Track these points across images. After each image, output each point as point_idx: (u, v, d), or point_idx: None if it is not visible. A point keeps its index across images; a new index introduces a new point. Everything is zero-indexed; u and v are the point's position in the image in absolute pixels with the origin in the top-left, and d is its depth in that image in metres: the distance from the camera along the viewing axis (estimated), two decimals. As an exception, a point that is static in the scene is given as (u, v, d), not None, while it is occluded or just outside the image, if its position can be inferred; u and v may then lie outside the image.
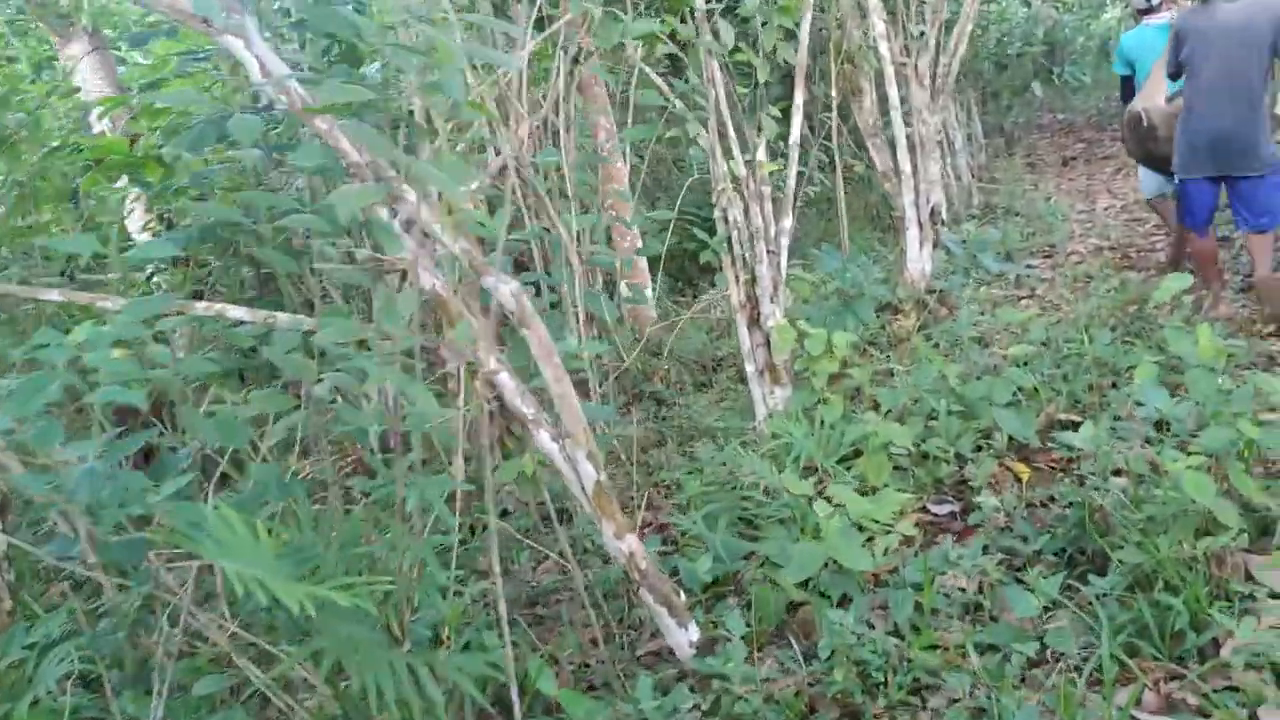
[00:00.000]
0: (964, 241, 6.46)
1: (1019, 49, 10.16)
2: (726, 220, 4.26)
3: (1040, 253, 7.40)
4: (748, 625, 2.92)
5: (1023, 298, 6.17)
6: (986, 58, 9.88)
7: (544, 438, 2.57)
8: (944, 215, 7.65)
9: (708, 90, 4.16)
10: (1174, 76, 5.28)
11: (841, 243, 6.43)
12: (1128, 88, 6.41)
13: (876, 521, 3.10)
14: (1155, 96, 5.68)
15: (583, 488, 2.60)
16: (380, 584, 2.13)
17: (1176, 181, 5.30)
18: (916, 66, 5.82)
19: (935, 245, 6.19)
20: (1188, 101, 5.06)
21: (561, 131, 4.14)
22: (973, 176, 10.47)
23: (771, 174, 4.37)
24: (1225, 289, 5.30)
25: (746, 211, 4.24)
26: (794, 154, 4.43)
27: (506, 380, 2.52)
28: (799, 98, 4.38)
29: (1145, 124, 5.74)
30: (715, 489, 3.53)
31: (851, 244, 6.80)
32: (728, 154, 4.22)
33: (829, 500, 2.94)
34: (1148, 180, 6.27)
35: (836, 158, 6.24)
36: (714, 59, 4.13)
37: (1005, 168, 11.89)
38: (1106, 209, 9.09)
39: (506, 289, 2.50)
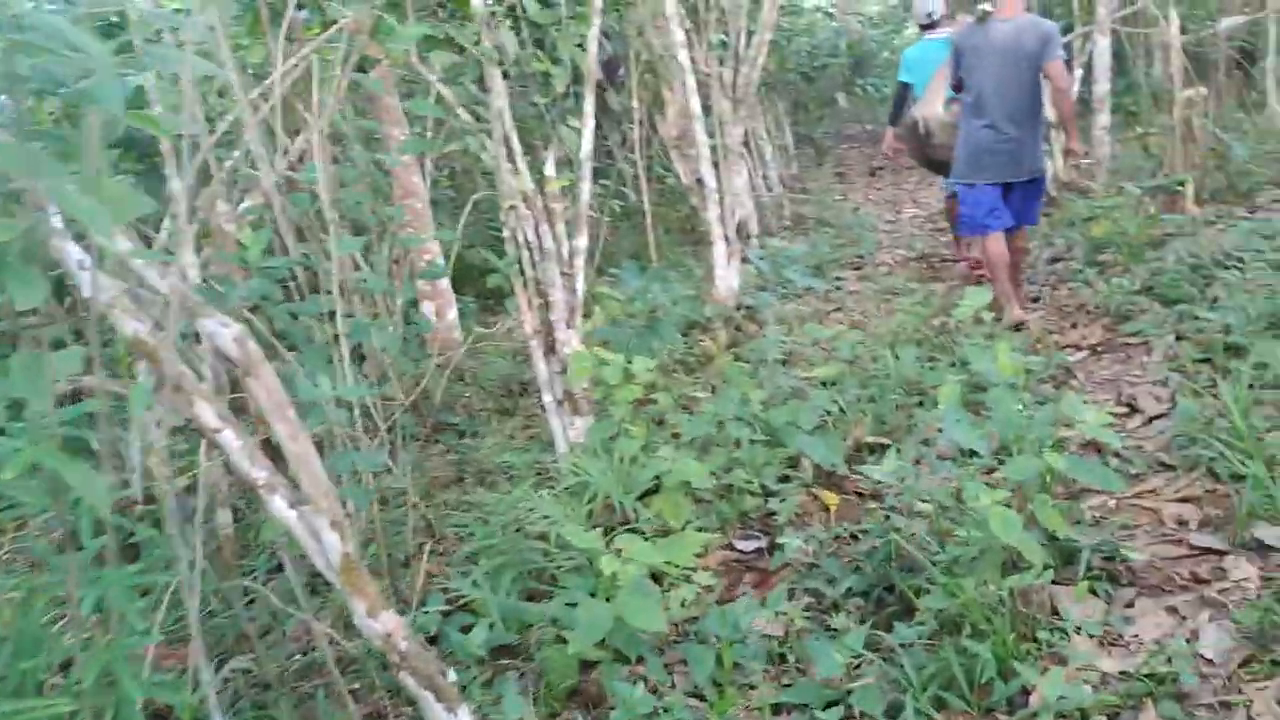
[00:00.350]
0: (771, 256, 6.34)
1: (824, 61, 10.25)
2: (517, 241, 3.96)
3: (850, 264, 7.39)
4: (536, 695, 2.62)
5: (832, 311, 6.10)
6: (794, 69, 9.90)
7: (278, 505, 2.19)
8: (754, 229, 7.58)
9: (491, 100, 3.85)
10: (957, 89, 5.53)
11: (651, 258, 6.22)
12: (903, 95, 6.76)
13: (676, 566, 2.85)
14: (934, 106, 6.03)
15: (328, 561, 2.24)
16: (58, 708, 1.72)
17: (954, 185, 5.65)
18: (720, 76, 5.65)
19: (744, 260, 6.05)
20: (968, 112, 5.35)
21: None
22: (784, 187, 10.51)
23: (564, 189, 4.09)
24: (1019, 293, 5.44)
25: (538, 230, 3.95)
26: (586, 168, 4.16)
27: (231, 439, 2.14)
28: (588, 107, 4.12)
29: (923, 131, 6.11)
30: (505, 538, 3.20)
31: (663, 259, 6.61)
32: (515, 169, 3.92)
33: (619, 552, 2.65)
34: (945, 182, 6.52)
35: (641, 170, 6.01)
36: (495, 67, 3.81)
37: (816, 178, 12.02)
38: (912, 218, 9.24)
39: (227, 333, 2.13)
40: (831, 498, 3.52)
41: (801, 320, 5.54)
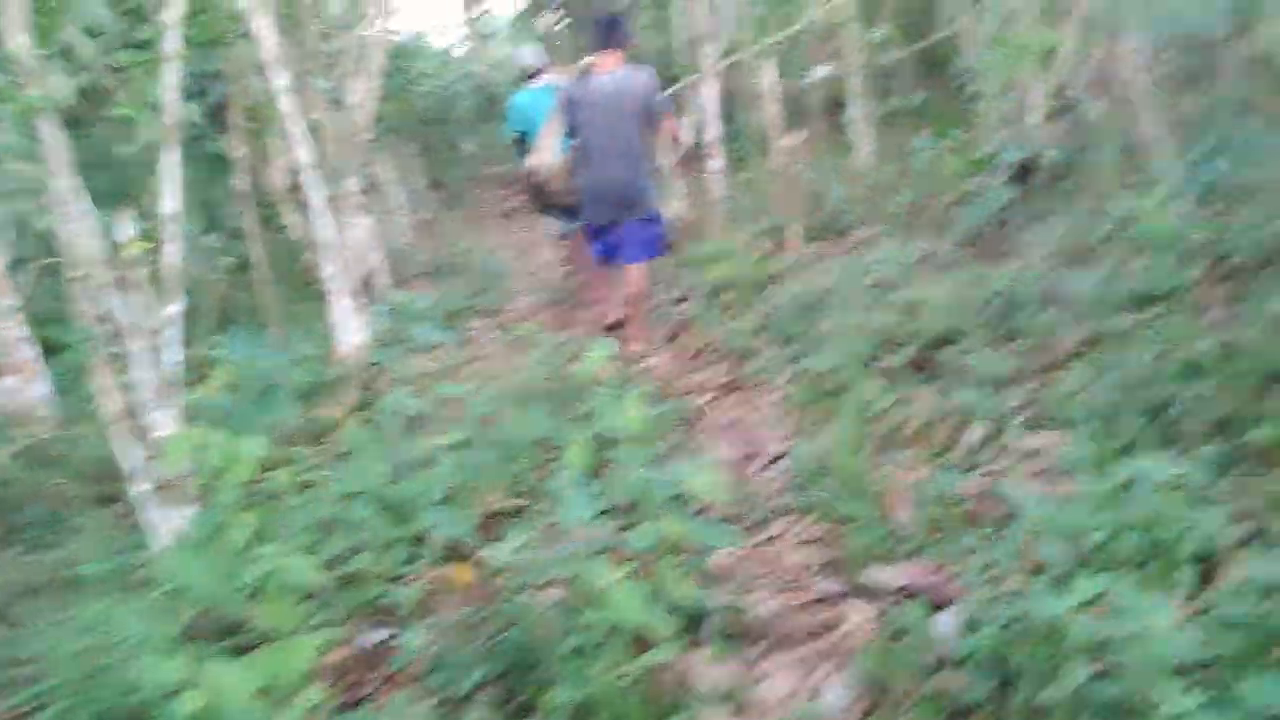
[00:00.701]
0: (399, 309, 6.09)
1: (450, 106, 10.14)
2: (92, 313, 3.47)
3: (484, 313, 7.27)
4: None
5: (467, 363, 5.93)
6: (420, 114, 9.71)
7: None
8: (384, 280, 7.29)
9: (47, 155, 3.35)
10: (571, 137, 5.76)
11: (270, 318, 5.77)
12: (522, 144, 6.83)
13: (283, 683, 2.52)
14: (546, 153, 6.11)
15: None
16: None
17: (575, 227, 6.03)
18: (329, 125, 5.34)
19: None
20: (582, 159, 5.66)
21: None
22: (416, 234, 10.27)
23: (148, 253, 3.63)
24: (643, 326, 5.86)
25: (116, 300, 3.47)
26: (173, 227, 3.73)
27: None
28: (169, 158, 3.69)
29: (539, 179, 6.23)
30: (77, 670, 2.72)
31: (287, 317, 6.17)
32: (83, 233, 3.42)
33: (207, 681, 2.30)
34: (550, 224, 7.04)
35: (252, 223, 5.57)
36: (47, 117, 3.32)
37: (451, 222, 11.88)
38: (547, 263, 9.29)
39: None
40: (464, 575, 3.32)
41: (433, 377, 5.33)
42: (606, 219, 5.63)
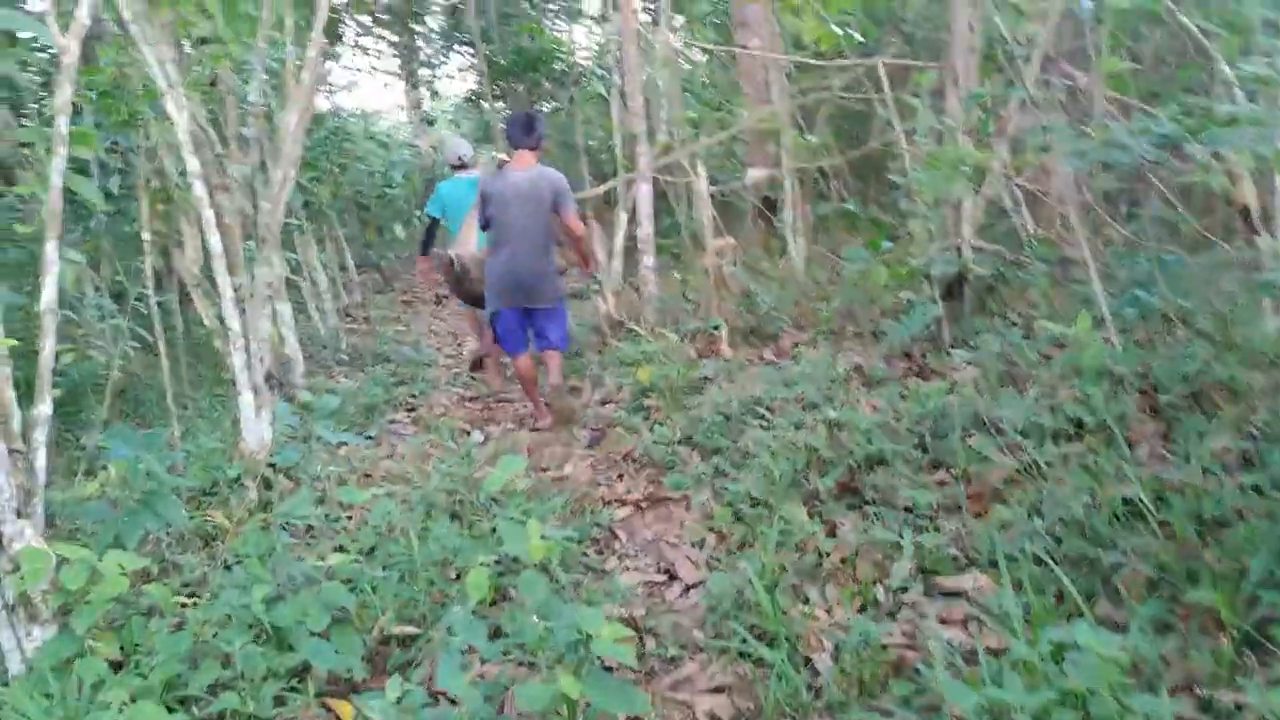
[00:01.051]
0: (307, 405, 5.80)
1: (381, 191, 9.97)
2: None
3: (405, 405, 7.01)
4: None
5: (381, 459, 5.66)
6: (355, 195, 9.52)
7: None
8: (300, 370, 7.00)
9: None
10: (485, 228, 6.11)
11: (170, 411, 5.44)
12: (433, 229, 7.34)
13: None
14: (468, 243, 6.57)
15: None
16: None
17: (489, 312, 6.21)
18: (243, 211, 5.11)
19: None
20: (494, 248, 6.00)
21: None
22: (343, 319, 10.00)
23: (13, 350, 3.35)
24: (545, 403, 6.25)
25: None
26: (48, 321, 3.45)
27: None
28: (49, 248, 3.43)
29: (459, 267, 6.61)
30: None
31: (195, 410, 5.86)
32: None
33: None
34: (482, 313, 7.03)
35: (154, 311, 5.28)
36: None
37: (380, 307, 11.64)
38: (474, 351, 9.07)
39: None
40: (347, 711, 3.02)
41: (337, 479, 5.04)
42: (511, 303, 5.98)
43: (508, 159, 6.05)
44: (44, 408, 3.43)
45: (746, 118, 8.16)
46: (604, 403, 6.36)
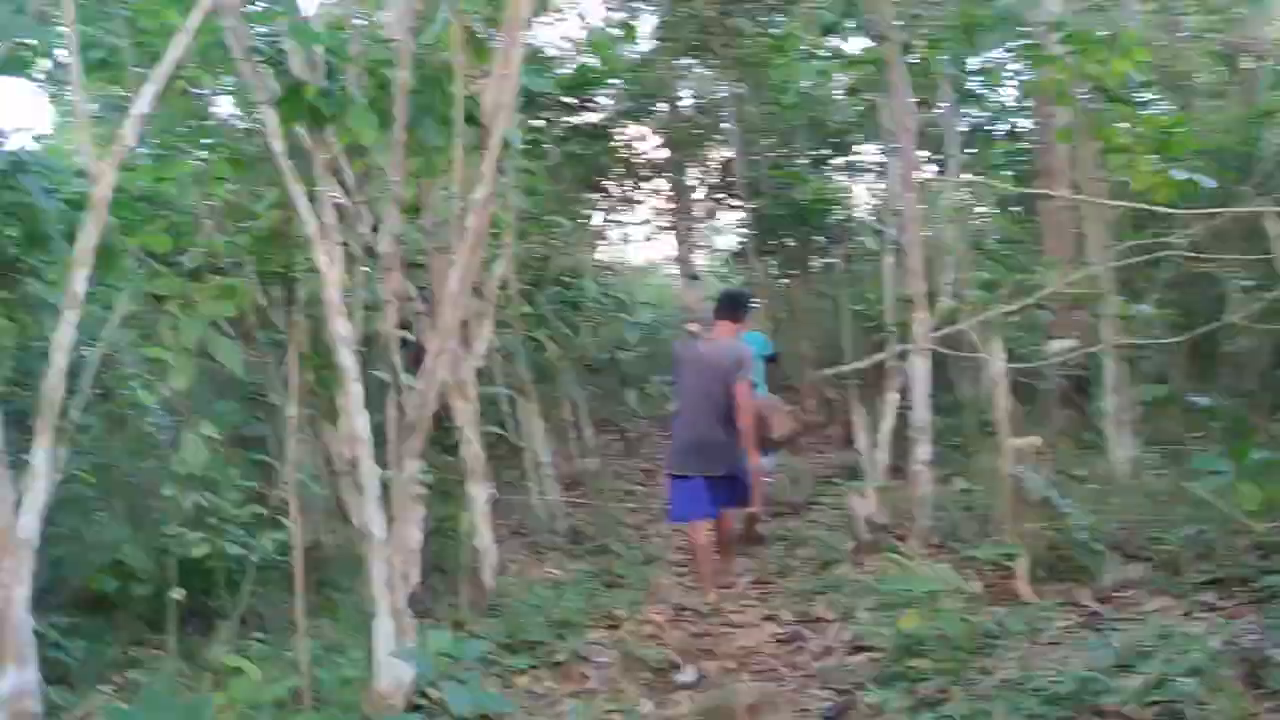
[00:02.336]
0: (469, 636, 4.64)
1: (611, 354, 9.00)
2: None
3: (607, 620, 5.73)
4: None
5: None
6: (581, 359, 8.60)
7: None
8: (486, 568, 5.92)
9: None
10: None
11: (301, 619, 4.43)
12: None
13: None
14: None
15: None
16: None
17: (668, 474, 6.31)
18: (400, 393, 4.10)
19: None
20: (678, 414, 6.24)
21: None
22: (570, 489, 8.99)
23: None
24: (713, 578, 6.11)
25: None
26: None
27: None
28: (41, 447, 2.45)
29: None
30: None
31: (331, 619, 4.86)
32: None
33: None
34: None
35: (292, 501, 4.32)
36: None
37: (620, 474, 10.59)
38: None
39: None
40: None
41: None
42: (692, 470, 6.02)
43: (698, 330, 6.52)
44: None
45: (1054, 280, 6.58)
46: (856, 649, 4.82)
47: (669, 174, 15.59)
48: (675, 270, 20.09)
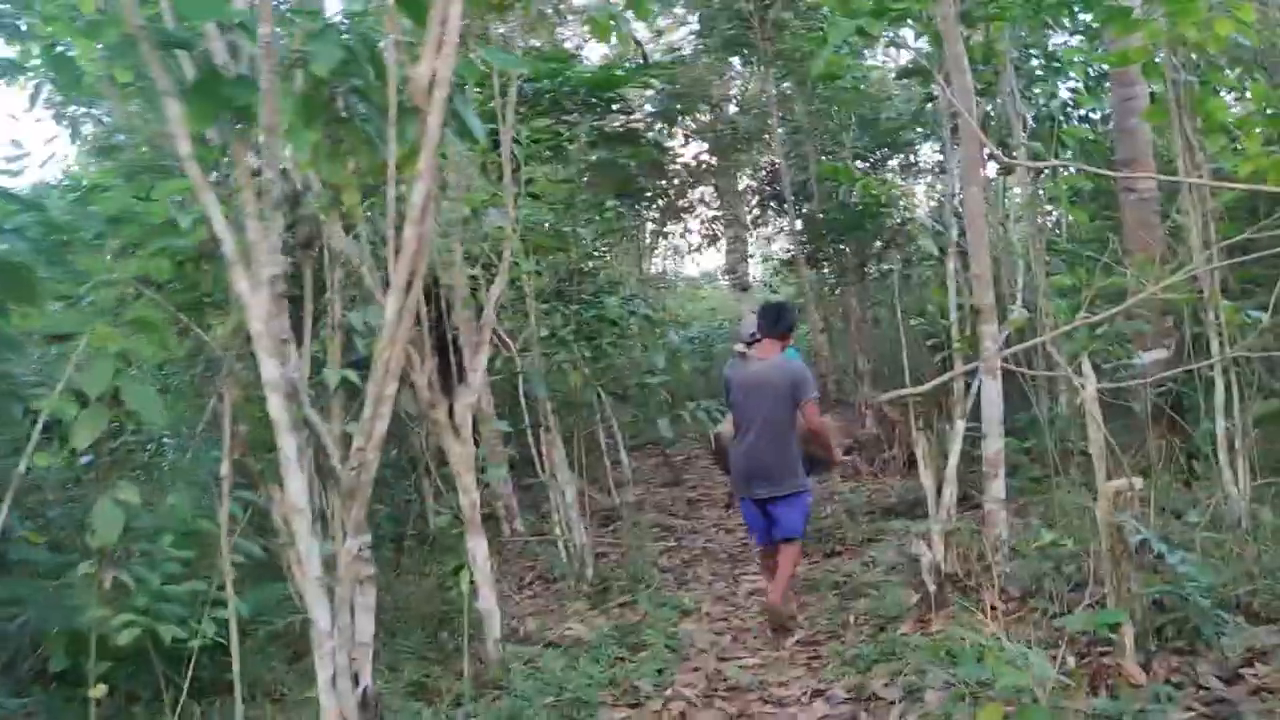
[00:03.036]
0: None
1: (639, 378, 8.15)
2: None
3: (626, 699, 4.89)
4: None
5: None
6: (608, 384, 7.77)
7: None
8: (489, 634, 5.14)
9: None
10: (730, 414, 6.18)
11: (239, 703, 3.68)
12: None
13: None
14: (730, 423, 6.31)
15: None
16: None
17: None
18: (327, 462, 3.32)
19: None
20: (736, 436, 6.01)
21: None
22: (602, 526, 8.18)
23: None
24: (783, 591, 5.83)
25: None
26: None
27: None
28: None
29: (716, 446, 6.73)
30: None
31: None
32: None
33: None
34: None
35: (228, 589, 3.57)
36: None
37: (660, 506, 9.77)
38: (753, 591, 6.82)
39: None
40: None
41: None
42: (748, 492, 5.92)
43: (746, 349, 6.12)
44: None
45: (1148, 283, 5.62)
46: (921, 739, 3.95)
47: (715, 180, 14.79)
48: (727, 282, 19.31)
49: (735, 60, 11.75)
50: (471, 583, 5.06)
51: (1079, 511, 5.17)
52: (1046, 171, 7.39)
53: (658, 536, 8.46)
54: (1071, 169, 7.16)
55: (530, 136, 6.44)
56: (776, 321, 6.00)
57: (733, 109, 13.02)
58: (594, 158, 9.16)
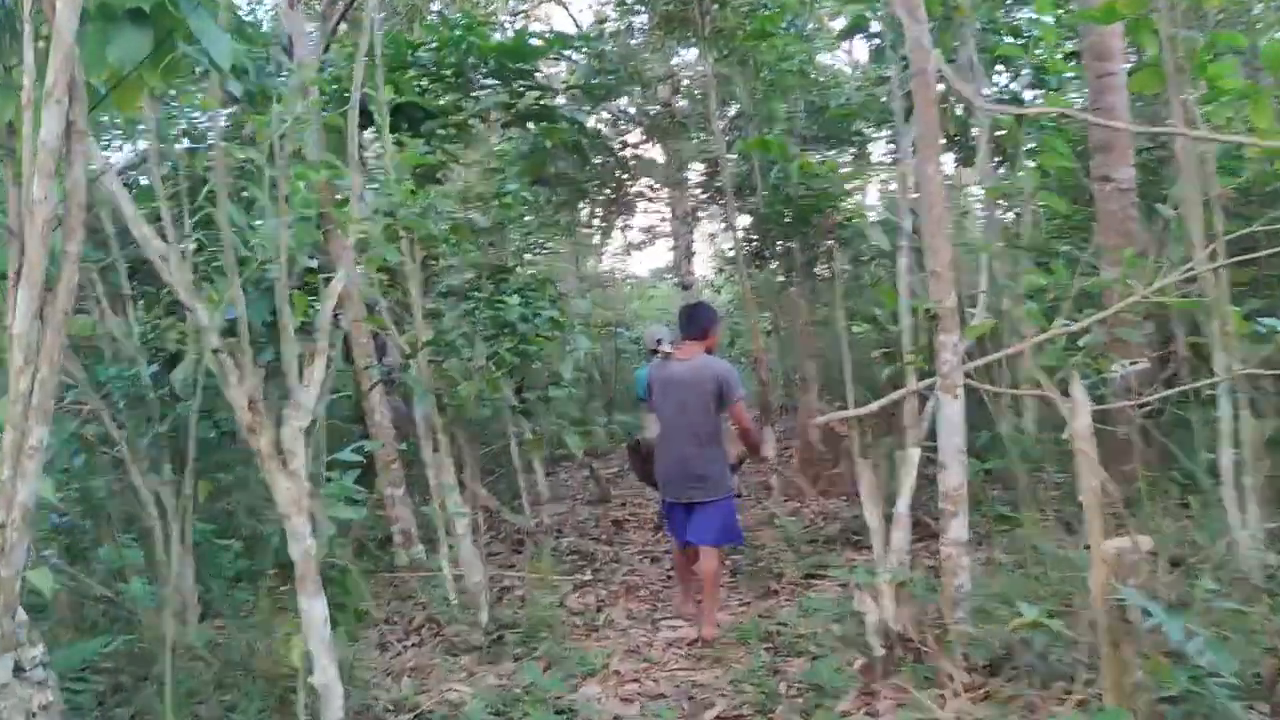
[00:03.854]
0: None
1: (543, 391, 7.11)
2: None
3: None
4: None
5: None
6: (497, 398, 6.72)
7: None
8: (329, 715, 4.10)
9: None
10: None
11: None
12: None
13: None
14: (652, 428, 6.26)
15: None
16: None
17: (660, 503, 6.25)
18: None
19: None
20: (660, 439, 5.98)
21: None
22: (515, 552, 7.13)
23: None
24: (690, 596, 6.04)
25: None
26: None
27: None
28: None
29: (643, 451, 6.69)
30: None
31: None
32: None
33: None
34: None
35: None
36: None
37: (584, 530, 8.75)
38: (672, 642, 5.81)
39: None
40: None
41: None
42: (671, 495, 5.88)
43: (671, 350, 5.99)
44: None
45: (1132, 287, 4.70)
46: None
47: (652, 172, 13.76)
48: (669, 281, 18.30)
49: (672, 38, 10.74)
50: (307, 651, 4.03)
51: (1058, 562, 4.23)
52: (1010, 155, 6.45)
53: (573, 566, 7.44)
54: (1050, 115, 6.18)
55: (401, 102, 5.38)
56: (691, 322, 5.91)
57: (667, 91, 11.97)
58: (506, 138, 8.11)
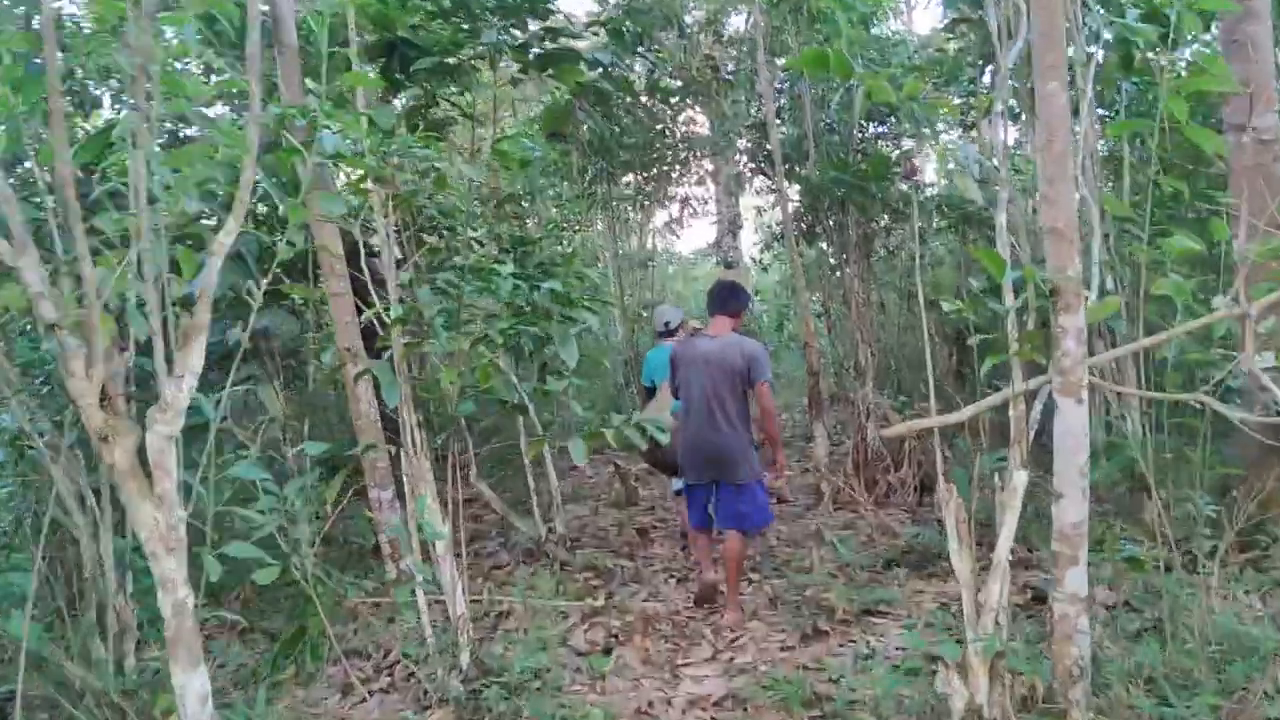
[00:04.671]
0: None
1: (536, 385, 5.93)
2: None
3: None
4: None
5: None
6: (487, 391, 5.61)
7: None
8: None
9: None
10: (676, 396, 5.90)
11: None
12: (647, 399, 7.06)
13: None
14: (663, 410, 6.27)
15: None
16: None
17: (682, 484, 6.01)
18: None
19: None
20: (682, 418, 5.78)
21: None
22: (523, 562, 6.00)
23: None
24: (711, 568, 5.79)
25: None
26: None
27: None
28: None
29: (656, 450, 6.27)
30: None
31: None
32: None
33: None
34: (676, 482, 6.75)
35: None
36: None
37: (600, 540, 7.62)
38: (693, 701, 4.64)
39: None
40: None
41: None
42: (696, 478, 5.70)
43: (701, 326, 6.16)
44: None
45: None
46: None
47: (692, 134, 12.52)
48: (714, 258, 17.06)
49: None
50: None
51: (1219, 633, 3.02)
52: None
53: (585, 588, 6.30)
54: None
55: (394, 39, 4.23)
56: (726, 299, 5.83)
57: (708, 41, 10.70)
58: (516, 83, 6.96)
